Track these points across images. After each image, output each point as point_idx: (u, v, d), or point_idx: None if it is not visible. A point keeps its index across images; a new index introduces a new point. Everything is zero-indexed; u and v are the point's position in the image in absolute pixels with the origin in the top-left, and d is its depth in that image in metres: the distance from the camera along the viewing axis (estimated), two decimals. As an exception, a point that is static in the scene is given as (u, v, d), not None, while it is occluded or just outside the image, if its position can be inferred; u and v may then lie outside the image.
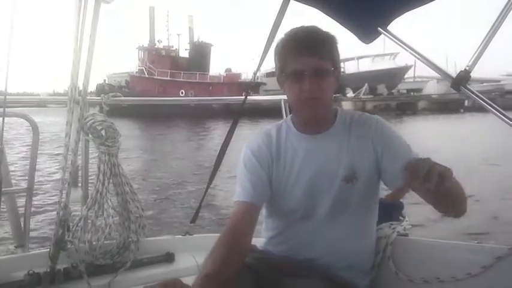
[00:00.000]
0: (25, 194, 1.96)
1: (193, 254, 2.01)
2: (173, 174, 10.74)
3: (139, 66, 44.97)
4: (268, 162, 1.46)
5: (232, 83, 43.28)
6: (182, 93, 41.53)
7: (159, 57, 45.86)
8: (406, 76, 47.63)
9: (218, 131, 21.91)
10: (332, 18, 1.91)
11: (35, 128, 1.96)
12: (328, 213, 1.43)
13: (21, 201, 1.98)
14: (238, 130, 2.10)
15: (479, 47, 1.62)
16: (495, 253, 1.28)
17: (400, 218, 1.61)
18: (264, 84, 44.96)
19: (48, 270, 1.76)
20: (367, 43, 1.99)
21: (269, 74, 54.56)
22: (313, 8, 1.95)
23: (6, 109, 1.69)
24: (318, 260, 1.45)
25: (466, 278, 1.30)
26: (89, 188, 1.98)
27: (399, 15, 1.86)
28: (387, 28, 1.87)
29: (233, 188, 1.45)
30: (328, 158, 1.43)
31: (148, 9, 49.59)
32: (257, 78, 47.25)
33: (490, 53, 1.71)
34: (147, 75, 43.50)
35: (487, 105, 1.61)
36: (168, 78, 43.89)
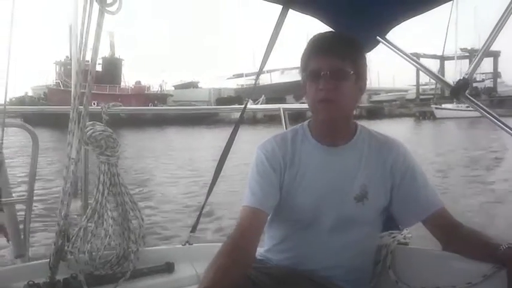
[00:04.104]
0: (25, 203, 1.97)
1: (193, 264, 2.00)
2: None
3: (56, 79, 47.51)
4: (281, 167, 1.41)
5: (139, 94, 47.07)
6: (94, 103, 44.64)
7: (74, 71, 49.58)
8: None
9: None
10: (330, 27, 1.93)
11: (34, 138, 1.96)
12: (333, 227, 1.41)
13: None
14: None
15: (476, 56, 1.63)
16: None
17: (400, 226, 1.60)
18: (171, 95, 49.55)
19: (48, 280, 1.75)
20: (366, 52, 1.99)
21: (177, 87, 58.47)
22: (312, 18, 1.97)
23: (6, 120, 1.70)
24: (318, 271, 1.43)
25: None
26: (89, 198, 1.98)
27: (397, 24, 1.87)
28: (385, 37, 1.88)
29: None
30: (342, 174, 1.40)
31: (68, 27, 53.47)
32: (163, 91, 50.91)
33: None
34: (62, 88, 45.61)
35: (485, 113, 1.62)
36: (82, 90, 47.33)
